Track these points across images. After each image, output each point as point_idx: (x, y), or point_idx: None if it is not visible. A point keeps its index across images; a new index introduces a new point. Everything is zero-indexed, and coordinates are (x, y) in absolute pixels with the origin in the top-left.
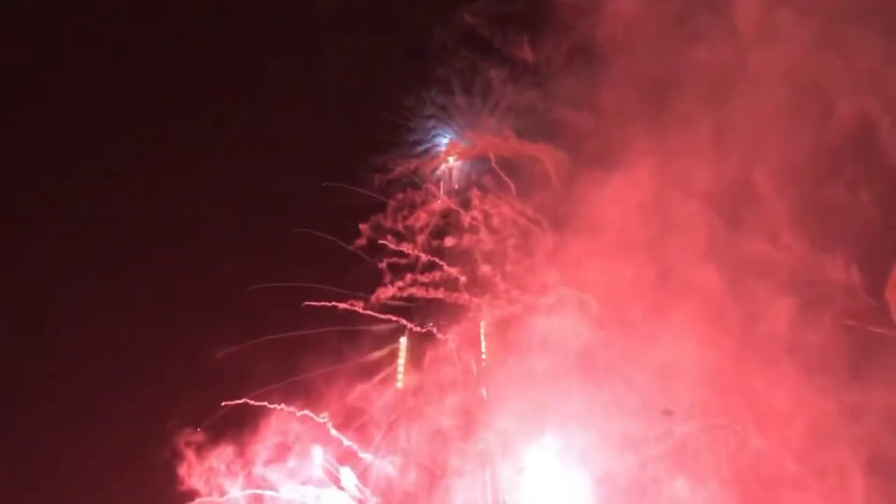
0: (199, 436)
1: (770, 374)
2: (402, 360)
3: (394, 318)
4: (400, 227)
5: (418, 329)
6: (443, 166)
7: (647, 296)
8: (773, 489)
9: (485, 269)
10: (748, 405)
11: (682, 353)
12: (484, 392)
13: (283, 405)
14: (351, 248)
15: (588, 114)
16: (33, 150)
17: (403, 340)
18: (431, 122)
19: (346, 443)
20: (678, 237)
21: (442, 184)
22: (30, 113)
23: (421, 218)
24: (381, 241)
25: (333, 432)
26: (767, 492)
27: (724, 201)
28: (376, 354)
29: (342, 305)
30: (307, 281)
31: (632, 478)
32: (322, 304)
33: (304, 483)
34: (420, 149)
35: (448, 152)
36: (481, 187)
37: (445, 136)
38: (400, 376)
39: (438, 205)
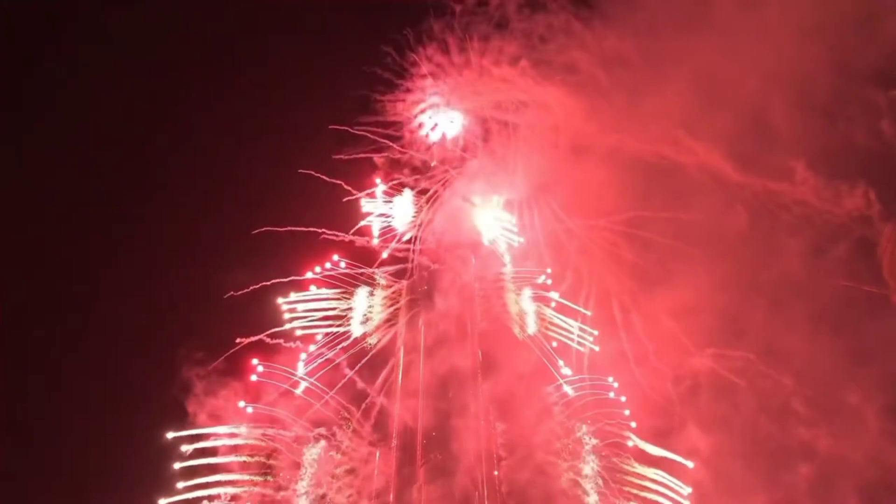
0: (209, 373)
1: (785, 315)
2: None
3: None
4: (416, 161)
5: (424, 264)
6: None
7: (665, 238)
8: (786, 425)
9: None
10: (764, 345)
11: (699, 294)
12: (479, 352)
13: (298, 343)
14: (363, 194)
15: (601, 53)
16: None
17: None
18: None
19: (360, 385)
20: (695, 178)
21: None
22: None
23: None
24: (395, 176)
25: (347, 372)
26: (780, 427)
27: (742, 137)
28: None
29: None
30: (314, 223)
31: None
32: (339, 237)
33: (313, 422)
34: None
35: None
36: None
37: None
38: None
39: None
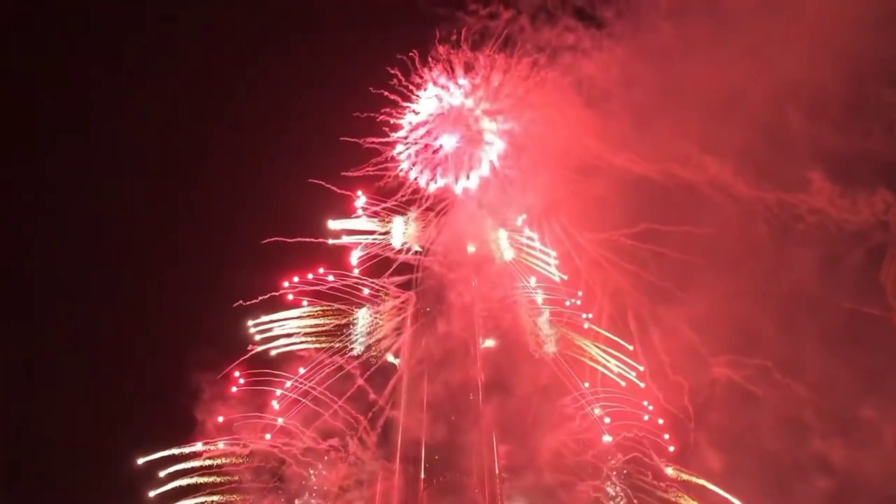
0: (220, 382)
1: (799, 328)
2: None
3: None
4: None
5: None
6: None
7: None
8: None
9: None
10: (778, 358)
11: (711, 307)
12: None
13: (310, 353)
14: (379, 207)
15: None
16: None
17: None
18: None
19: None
20: (708, 193)
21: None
22: None
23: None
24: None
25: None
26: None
27: (755, 150)
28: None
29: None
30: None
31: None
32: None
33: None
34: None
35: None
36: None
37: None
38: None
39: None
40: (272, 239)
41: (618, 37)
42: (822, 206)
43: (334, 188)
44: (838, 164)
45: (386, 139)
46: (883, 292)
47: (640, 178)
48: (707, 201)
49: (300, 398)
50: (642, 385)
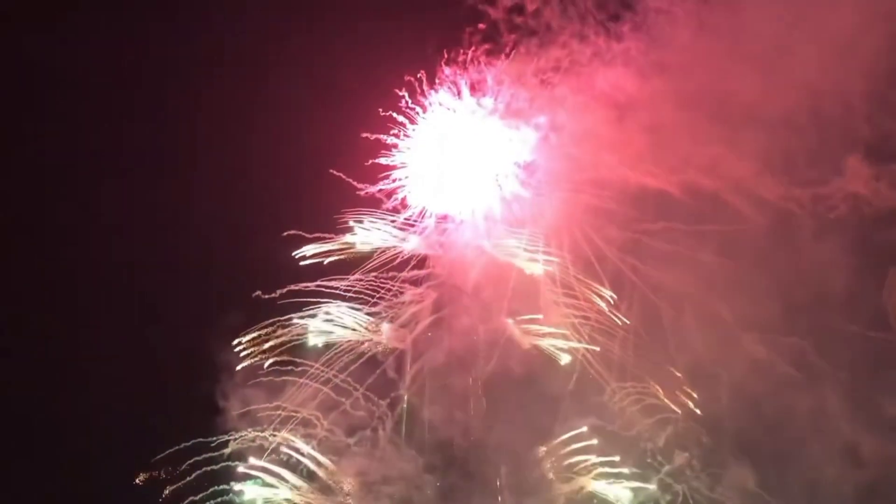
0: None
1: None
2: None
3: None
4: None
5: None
6: None
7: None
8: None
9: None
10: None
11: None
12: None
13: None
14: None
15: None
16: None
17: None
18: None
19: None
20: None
21: None
22: None
23: None
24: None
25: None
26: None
27: (783, 150)
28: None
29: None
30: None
31: None
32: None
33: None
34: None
35: None
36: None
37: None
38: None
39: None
40: (291, 232)
41: (634, 49)
42: (857, 190)
43: (353, 181)
44: (871, 149)
45: (387, 160)
46: None
47: (661, 188)
48: (735, 204)
49: (321, 387)
50: (692, 405)
